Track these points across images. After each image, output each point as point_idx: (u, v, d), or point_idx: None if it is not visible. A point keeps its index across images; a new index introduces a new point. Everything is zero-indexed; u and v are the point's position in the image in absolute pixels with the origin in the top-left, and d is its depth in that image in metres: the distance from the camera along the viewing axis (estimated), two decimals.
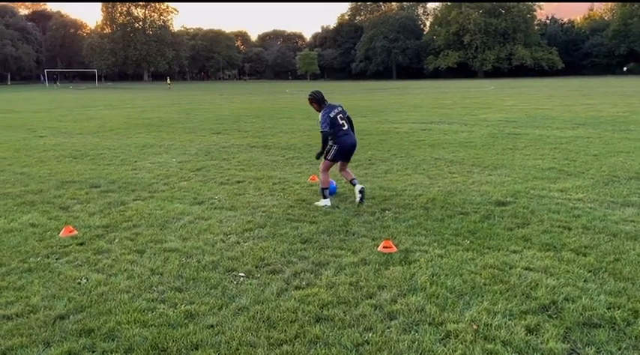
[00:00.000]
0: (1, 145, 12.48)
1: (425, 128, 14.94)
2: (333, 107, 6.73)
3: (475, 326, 3.41)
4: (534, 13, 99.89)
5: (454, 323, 3.46)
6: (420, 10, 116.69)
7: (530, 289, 3.96)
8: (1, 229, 5.58)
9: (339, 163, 6.88)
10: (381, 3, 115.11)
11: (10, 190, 7.51)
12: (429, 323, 3.47)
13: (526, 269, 4.36)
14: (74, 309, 3.70)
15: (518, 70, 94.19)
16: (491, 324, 3.44)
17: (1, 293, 3.98)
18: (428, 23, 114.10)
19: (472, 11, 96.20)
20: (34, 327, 3.44)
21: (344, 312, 3.64)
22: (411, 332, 3.38)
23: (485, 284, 4.05)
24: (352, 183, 6.76)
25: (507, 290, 3.94)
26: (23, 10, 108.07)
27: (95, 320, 3.53)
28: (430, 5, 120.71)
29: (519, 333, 3.33)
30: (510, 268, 4.37)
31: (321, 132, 6.53)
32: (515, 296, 3.84)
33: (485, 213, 6.00)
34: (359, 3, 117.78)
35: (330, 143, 6.59)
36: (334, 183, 7.09)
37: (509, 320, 3.50)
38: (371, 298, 3.86)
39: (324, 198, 6.55)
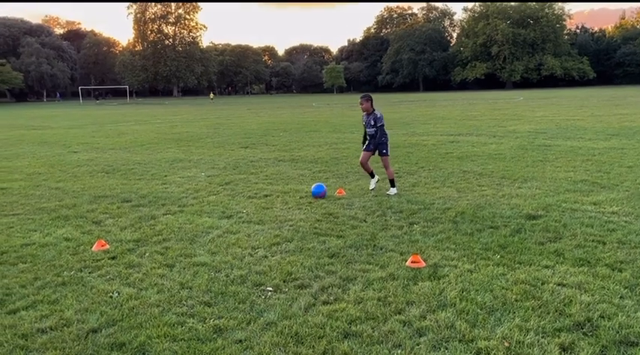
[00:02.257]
0: (37, 161, 12.87)
1: (453, 140, 14.80)
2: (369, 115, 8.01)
3: (507, 344, 3.34)
4: (564, 22, 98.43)
5: (485, 340, 3.40)
6: (447, 22, 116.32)
7: (564, 306, 3.86)
8: (37, 243, 5.74)
9: (364, 155, 8.11)
10: (407, 15, 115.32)
11: (46, 205, 7.72)
12: (459, 340, 3.41)
13: (559, 285, 4.25)
14: (106, 323, 3.77)
15: (548, 81, 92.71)
16: (523, 342, 3.36)
17: (36, 307, 4.08)
18: (455, 35, 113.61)
19: (500, 22, 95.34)
20: (68, 341, 3.51)
21: (372, 328, 3.61)
22: (440, 348, 3.33)
23: (516, 300, 3.97)
24: (372, 174, 8.21)
25: (540, 307, 3.85)
26: (59, 29, 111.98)
27: (126, 334, 3.59)
28: (457, 17, 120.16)
29: (553, 352, 3.24)
30: (543, 284, 4.27)
31: (383, 125, 7.93)
32: (549, 313, 3.74)
33: (516, 227, 5.89)
34: (385, 16, 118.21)
35: (385, 139, 7.95)
36: (324, 186, 7.93)
37: (543, 337, 3.42)
38: (400, 314, 3.82)
39: (393, 186, 8.00)
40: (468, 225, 6.03)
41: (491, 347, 3.31)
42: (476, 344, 3.36)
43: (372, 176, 8.21)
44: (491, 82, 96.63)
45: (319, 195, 7.78)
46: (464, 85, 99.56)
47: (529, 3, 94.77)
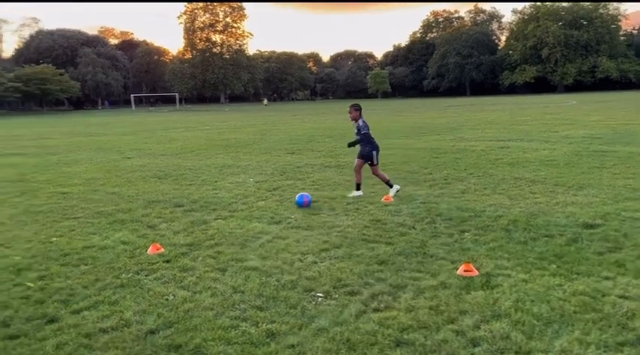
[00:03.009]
0: (94, 166, 13.42)
1: (503, 146, 14.47)
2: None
3: None
4: (619, 23, 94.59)
5: (543, 352, 3.31)
6: (495, 25, 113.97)
7: (627, 319, 3.70)
8: (96, 246, 5.99)
9: (357, 162, 8.47)
10: (453, 19, 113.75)
11: (104, 209, 8.04)
12: (516, 352, 3.34)
13: (621, 297, 4.08)
14: (163, 325, 3.89)
15: (603, 84, 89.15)
16: None
17: (97, 307, 4.26)
18: (503, 38, 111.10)
19: (551, 24, 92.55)
20: (128, 341, 3.65)
21: (425, 337, 3.57)
22: None
23: (575, 312, 3.84)
24: (389, 184, 8.39)
25: (601, 320, 3.71)
26: (113, 39, 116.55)
27: (183, 336, 3.69)
28: (505, 19, 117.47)
29: None
30: (603, 296, 4.12)
31: (365, 133, 8.27)
32: (610, 327, 3.60)
33: (573, 236, 5.70)
34: (431, 20, 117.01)
35: (369, 148, 8.32)
36: (310, 197, 7.92)
37: (604, 352, 3.30)
38: (452, 323, 3.77)
39: (391, 186, 8.33)
40: (522, 234, 5.88)
41: None
42: None
43: (358, 188, 8.48)
44: (541, 86, 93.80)
45: (303, 204, 7.71)
46: (512, 89, 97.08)
47: (582, 3, 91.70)
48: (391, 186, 8.36)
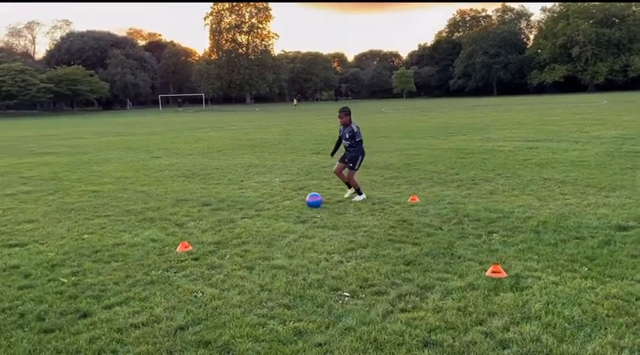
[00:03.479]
0: (124, 165, 13.68)
1: (531, 146, 14.23)
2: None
3: None
4: None
5: None
6: (523, 24, 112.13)
7: None
8: (126, 243, 6.11)
9: (339, 166, 8.34)
10: (480, 18, 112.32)
11: (133, 207, 8.19)
12: None
13: None
14: (192, 321, 3.95)
15: (636, 83, 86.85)
16: None
17: (128, 303, 4.34)
18: (532, 37, 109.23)
19: (581, 22, 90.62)
20: (158, 336, 3.71)
21: (453, 338, 3.55)
22: None
23: (608, 316, 3.76)
24: (359, 191, 8.18)
25: (635, 324, 3.62)
26: (141, 41, 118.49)
27: (211, 333, 3.74)
28: (534, 18, 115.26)
29: None
30: (637, 299, 4.02)
31: (360, 140, 8.16)
32: None
33: (605, 239, 5.58)
34: (457, 20, 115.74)
35: (357, 153, 8.17)
36: (321, 197, 7.85)
37: None
38: (481, 325, 3.73)
39: (360, 194, 8.11)
40: (552, 235, 5.78)
41: None
42: None
43: (349, 187, 8.35)
44: (571, 85, 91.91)
45: (315, 204, 7.68)
46: (541, 89, 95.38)
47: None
48: (360, 194, 8.16)
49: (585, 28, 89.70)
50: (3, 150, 19.73)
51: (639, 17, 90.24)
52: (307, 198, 7.86)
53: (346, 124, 8.25)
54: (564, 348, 3.34)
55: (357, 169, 8.22)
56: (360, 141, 8.20)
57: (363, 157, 8.31)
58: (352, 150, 8.21)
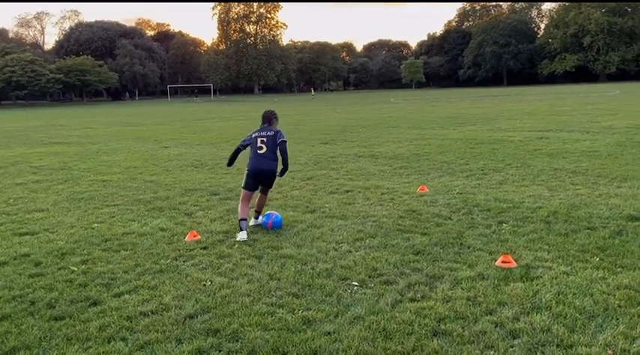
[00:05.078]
0: (133, 155, 13.73)
1: (541, 136, 14.10)
2: (263, 129, 6.33)
3: (611, 352, 3.14)
4: None
5: (586, 346, 3.22)
6: (534, 13, 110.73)
7: None
8: (136, 232, 6.13)
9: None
10: (490, 7, 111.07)
11: (142, 197, 8.22)
12: (557, 345, 3.26)
13: None
14: (201, 310, 3.96)
15: None
16: (629, 350, 3.15)
17: (138, 291, 4.36)
18: (542, 26, 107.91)
19: (593, 10, 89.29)
20: (167, 324, 3.73)
21: (462, 328, 3.53)
22: (536, 353, 3.20)
23: (620, 306, 3.72)
24: (256, 211, 6.31)
25: None
26: (150, 31, 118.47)
27: (220, 321, 3.74)
28: (545, 7, 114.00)
29: None
30: None
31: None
32: None
33: (616, 229, 5.52)
34: (467, 9, 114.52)
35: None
36: (279, 215, 6.27)
37: None
38: (491, 315, 3.70)
39: (241, 229, 5.80)
40: (562, 226, 5.73)
41: (592, 354, 3.13)
42: (575, 350, 3.19)
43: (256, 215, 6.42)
44: (582, 75, 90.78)
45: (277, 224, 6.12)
46: (552, 79, 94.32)
47: None
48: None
49: (597, 17, 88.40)
50: (14, 139, 19.87)
51: None
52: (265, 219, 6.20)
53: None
54: (575, 338, 3.32)
55: (242, 186, 6.31)
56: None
57: (247, 171, 6.30)
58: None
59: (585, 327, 3.46)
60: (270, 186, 6.43)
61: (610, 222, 5.80)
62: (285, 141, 6.31)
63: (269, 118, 6.45)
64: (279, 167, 6.33)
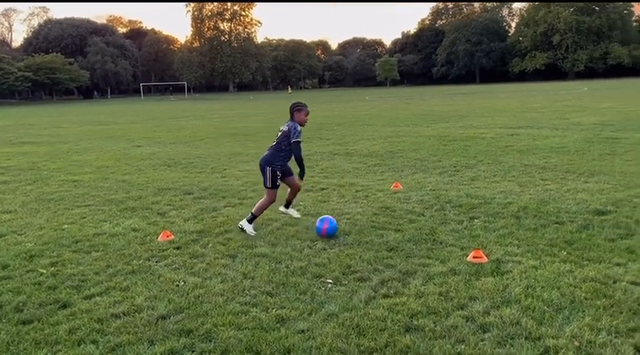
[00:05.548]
0: (105, 154, 13.49)
1: (512, 133, 14.36)
2: (286, 123, 6.29)
3: (577, 343, 3.23)
4: (632, 9, 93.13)
5: (553, 338, 3.30)
6: (505, 12, 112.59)
7: (638, 305, 3.68)
8: (107, 233, 6.04)
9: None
10: (463, 6, 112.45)
11: (114, 197, 8.09)
12: (526, 338, 3.33)
13: (632, 283, 4.06)
14: (174, 310, 3.92)
15: (615, 70, 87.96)
16: (594, 341, 3.24)
17: (109, 293, 4.30)
18: (513, 24, 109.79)
19: (562, 9, 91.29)
20: (140, 326, 3.68)
21: (434, 323, 3.58)
22: (506, 345, 3.26)
23: (586, 299, 3.82)
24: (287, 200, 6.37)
25: (612, 306, 3.69)
26: (122, 28, 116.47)
27: (193, 321, 3.72)
28: (516, 6, 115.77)
29: (627, 352, 3.11)
30: (614, 282, 4.09)
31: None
32: (621, 313, 3.58)
33: (583, 223, 5.66)
34: (440, 7, 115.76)
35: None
36: (334, 220, 5.73)
37: (616, 337, 3.28)
38: (462, 309, 3.76)
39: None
40: (532, 220, 5.85)
41: (560, 345, 3.21)
42: (543, 342, 3.27)
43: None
44: (552, 73, 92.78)
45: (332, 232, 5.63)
46: (522, 76, 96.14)
47: None
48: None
49: (566, 16, 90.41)
50: None
51: (619, 5, 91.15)
52: (320, 224, 5.68)
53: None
54: (543, 331, 3.39)
55: (268, 186, 6.09)
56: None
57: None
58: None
59: (553, 320, 3.54)
60: (265, 182, 6.17)
61: (577, 216, 5.95)
62: (298, 142, 6.02)
63: (290, 112, 6.31)
64: (280, 162, 6.17)
